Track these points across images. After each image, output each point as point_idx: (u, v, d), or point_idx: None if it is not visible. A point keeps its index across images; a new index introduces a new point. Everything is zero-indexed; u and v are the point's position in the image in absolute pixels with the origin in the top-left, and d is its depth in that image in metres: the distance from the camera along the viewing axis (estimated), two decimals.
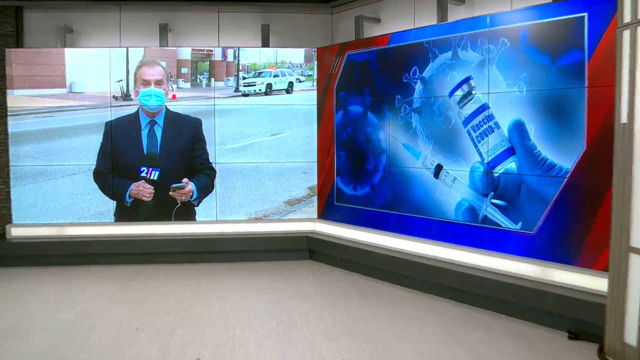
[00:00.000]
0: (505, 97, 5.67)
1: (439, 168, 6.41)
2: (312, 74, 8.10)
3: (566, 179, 5.16)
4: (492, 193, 5.85)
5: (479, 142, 5.95)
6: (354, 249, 7.20)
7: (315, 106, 8.07)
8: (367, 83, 7.26)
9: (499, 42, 5.67)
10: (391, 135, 6.98)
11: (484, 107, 5.88)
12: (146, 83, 7.74)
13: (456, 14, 6.70)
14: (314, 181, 8.10)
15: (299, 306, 5.86)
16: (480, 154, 5.95)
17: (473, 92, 5.99)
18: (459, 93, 6.13)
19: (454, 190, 6.26)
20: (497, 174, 5.79)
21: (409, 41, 6.69)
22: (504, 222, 5.75)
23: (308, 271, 7.30)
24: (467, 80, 6.06)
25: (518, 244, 5.63)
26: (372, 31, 7.87)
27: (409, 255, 6.58)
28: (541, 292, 5.17)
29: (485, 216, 5.94)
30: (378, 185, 7.19)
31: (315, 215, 8.11)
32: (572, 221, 5.17)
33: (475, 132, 5.99)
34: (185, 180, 7.83)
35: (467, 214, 6.14)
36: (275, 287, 6.57)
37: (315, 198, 8.11)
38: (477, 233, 6.04)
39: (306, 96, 8.10)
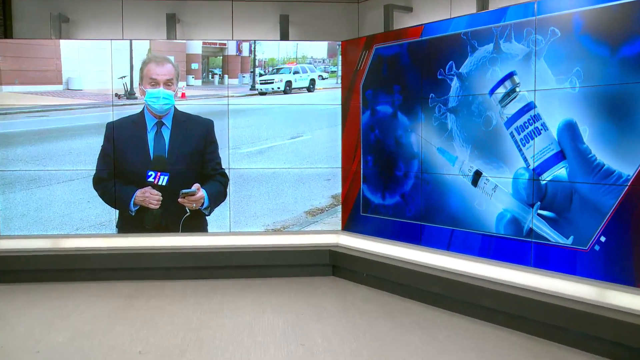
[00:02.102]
0: (554, 95, 5.53)
1: (477, 175, 6.30)
2: (336, 70, 8.06)
3: (627, 187, 5.00)
4: (539, 203, 5.72)
5: (524, 146, 5.83)
6: (382, 264, 7.10)
7: (340, 106, 8.01)
8: (398, 80, 7.18)
9: (548, 32, 5.54)
10: (424, 138, 6.89)
11: (529, 106, 5.76)
12: (154, 83, 7.68)
13: (498, 1, 6.59)
14: (338, 189, 8.03)
15: (320, 328, 5.78)
16: (525, 159, 5.82)
17: (517, 89, 5.87)
18: (501, 90, 6.02)
19: (494, 199, 6.15)
20: (544, 182, 5.66)
21: (444, 32, 6.60)
22: (553, 236, 5.61)
23: (331, 289, 7.23)
24: (510, 75, 5.93)
25: (569, 261, 5.48)
26: (403, 22, 7.79)
27: (443, 272, 6.48)
28: (597, 317, 5.01)
29: (531, 229, 5.80)
30: (409, 193, 7.09)
31: (339, 227, 8.04)
32: (635, 235, 5.00)
33: (519, 134, 5.87)
34: (196, 185, 7.76)
35: (510, 226, 6.01)
36: (294, 306, 6.51)
37: (339, 208, 8.04)
38: (521, 248, 5.91)
39: (329, 95, 8.04)
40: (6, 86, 7.67)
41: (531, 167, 5.75)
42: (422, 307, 6.47)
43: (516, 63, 5.85)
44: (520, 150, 5.85)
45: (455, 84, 6.48)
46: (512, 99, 5.89)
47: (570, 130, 5.39)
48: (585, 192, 5.28)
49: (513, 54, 5.87)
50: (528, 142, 5.76)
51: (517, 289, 5.76)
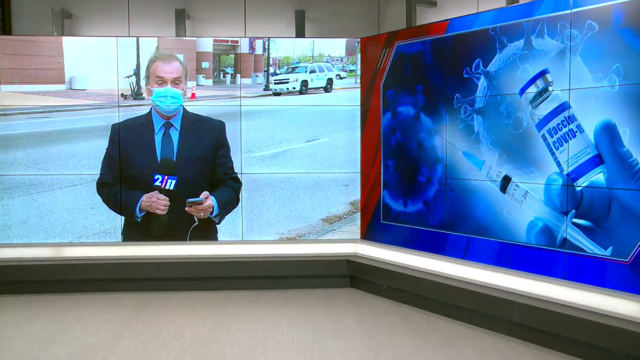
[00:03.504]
0: (591, 94, 5.41)
1: (506, 180, 6.20)
2: (354, 69, 8.01)
3: None
4: (574, 211, 5.60)
5: (557, 149, 5.72)
6: (403, 275, 7.02)
7: (359, 107, 7.97)
8: (420, 79, 7.11)
9: (584, 27, 5.44)
10: (449, 141, 6.81)
11: (563, 107, 5.64)
12: (161, 81, 7.63)
13: None
14: (356, 195, 7.97)
15: (338, 343, 5.71)
16: (558, 164, 5.71)
17: (550, 88, 5.77)
18: (533, 90, 5.92)
19: (525, 207, 6.04)
20: (579, 188, 5.54)
21: (471, 28, 6.53)
22: (589, 247, 5.48)
23: (349, 301, 7.16)
24: (542, 74, 5.83)
25: (608, 273, 5.35)
26: (427, 17, 7.77)
27: (469, 285, 6.38)
28: (639, 335, 4.85)
29: (565, 239, 5.68)
30: (433, 200, 7.01)
31: (358, 236, 7.99)
32: None
33: (552, 136, 5.76)
34: (204, 194, 7.69)
35: (542, 236, 5.90)
36: (310, 319, 6.44)
37: (358, 215, 7.99)
38: (554, 259, 5.79)
39: (348, 95, 8.00)
40: (5, 85, 7.65)
41: (565, 172, 5.63)
42: (447, 321, 6.38)
43: (549, 60, 5.75)
44: (553, 154, 5.74)
45: (482, 83, 6.39)
46: (545, 99, 5.79)
47: (608, 132, 5.26)
48: (626, 199, 5.15)
49: (546, 50, 5.77)
50: (562, 145, 5.65)
51: (550, 303, 5.64)
